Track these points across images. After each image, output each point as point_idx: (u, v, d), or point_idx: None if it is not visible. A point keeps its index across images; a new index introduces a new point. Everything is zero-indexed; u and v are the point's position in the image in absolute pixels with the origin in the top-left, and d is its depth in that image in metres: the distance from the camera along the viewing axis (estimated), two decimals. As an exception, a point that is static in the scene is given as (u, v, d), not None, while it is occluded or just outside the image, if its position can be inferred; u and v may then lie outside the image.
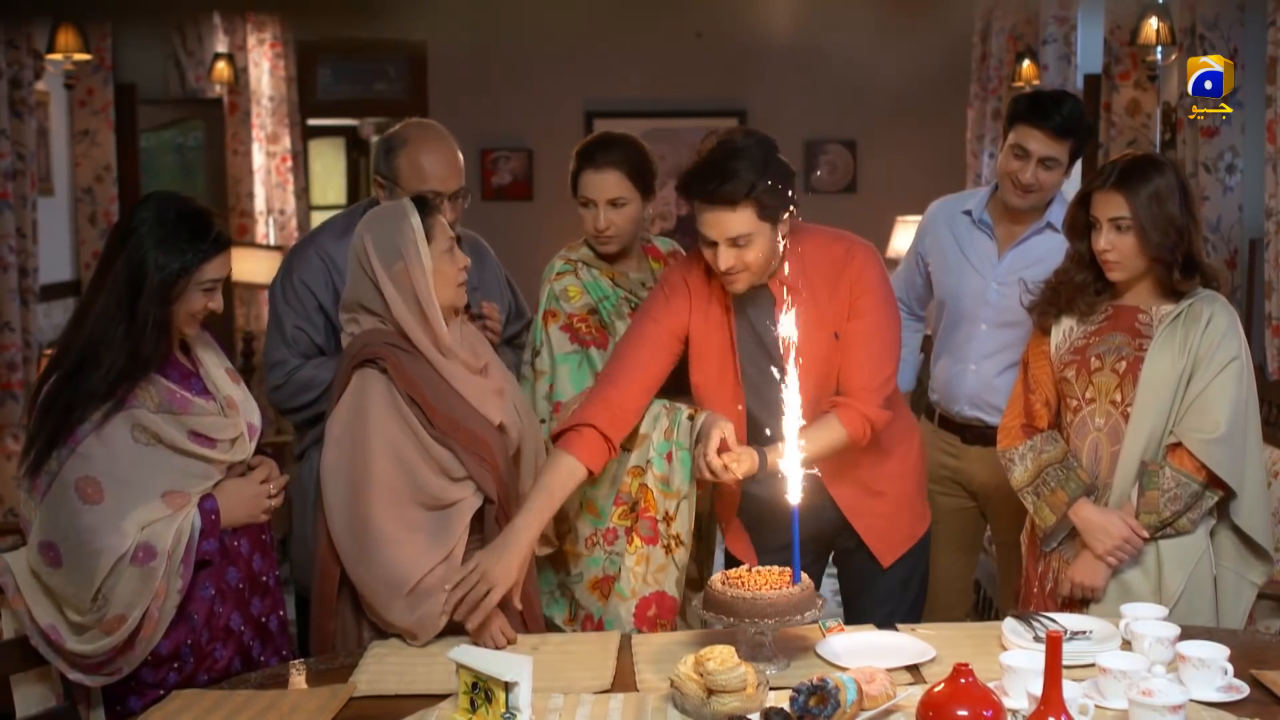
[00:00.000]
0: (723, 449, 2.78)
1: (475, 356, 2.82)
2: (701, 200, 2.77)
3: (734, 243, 2.76)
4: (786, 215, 2.82)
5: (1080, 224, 2.89)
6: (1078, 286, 2.91)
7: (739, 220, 2.74)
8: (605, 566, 3.02)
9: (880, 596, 3.07)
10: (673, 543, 2.98)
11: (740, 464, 2.76)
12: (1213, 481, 2.78)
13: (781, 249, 2.86)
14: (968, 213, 3.52)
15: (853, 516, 3.03)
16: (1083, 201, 2.88)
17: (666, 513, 2.99)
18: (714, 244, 2.79)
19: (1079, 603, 2.86)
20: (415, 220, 2.71)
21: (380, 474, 2.64)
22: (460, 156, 3.21)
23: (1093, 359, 2.87)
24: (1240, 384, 2.81)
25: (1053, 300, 2.94)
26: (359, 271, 2.75)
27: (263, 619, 2.73)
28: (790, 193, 2.80)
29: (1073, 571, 2.85)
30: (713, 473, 2.77)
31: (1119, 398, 2.83)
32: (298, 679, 2.53)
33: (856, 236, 3.01)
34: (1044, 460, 2.90)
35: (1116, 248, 2.81)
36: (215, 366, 2.72)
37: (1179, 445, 2.79)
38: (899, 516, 3.07)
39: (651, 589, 2.96)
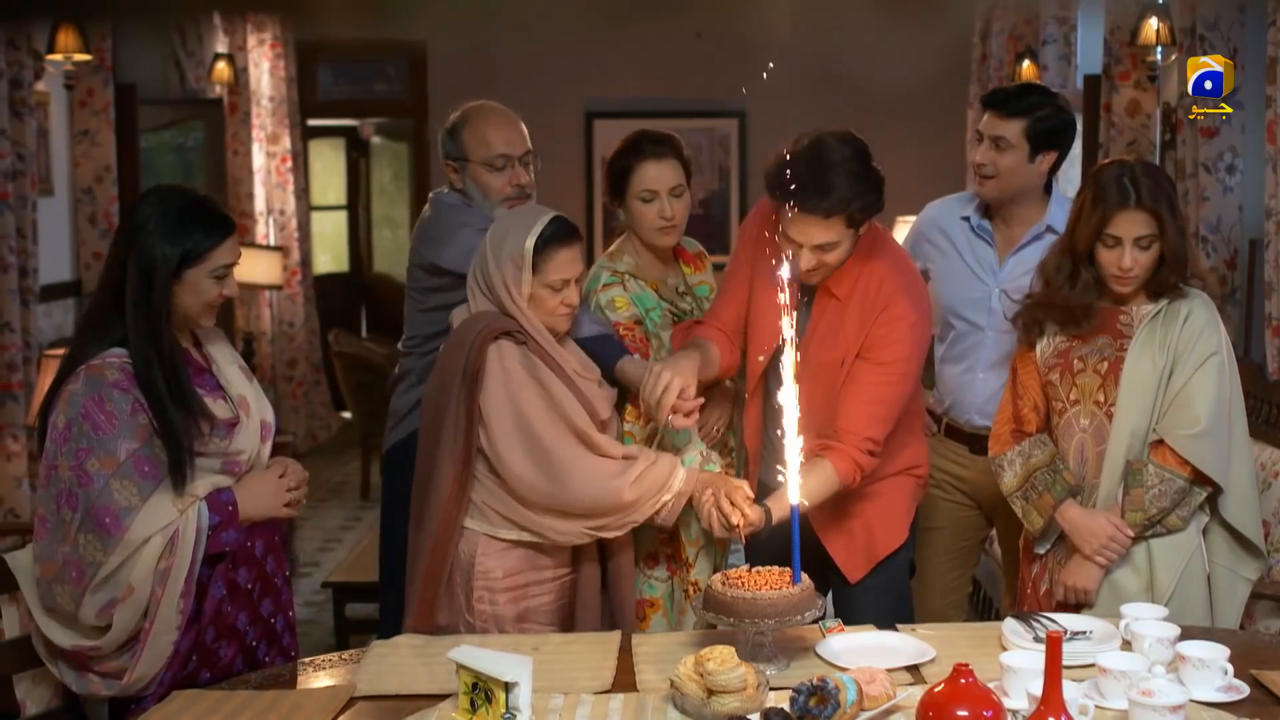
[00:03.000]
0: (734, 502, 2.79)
1: (587, 369, 2.89)
2: (794, 207, 2.78)
3: (819, 248, 2.79)
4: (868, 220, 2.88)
5: (1083, 245, 2.82)
6: (1083, 310, 2.86)
7: (828, 230, 2.78)
8: (644, 589, 3.07)
9: (856, 607, 3.02)
10: (691, 589, 3.04)
11: (748, 516, 2.76)
12: (1198, 477, 2.78)
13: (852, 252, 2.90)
14: (966, 219, 3.49)
15: (818, 528, 3.02)
16: (1084, 219, 2.81)
17: (688, 560, 3.06)
18: (797, 245, 2.81)
19: (1072, 606, 2.86)
20: (529, 244, 2.76)
21: (558, 416, 2.76)
22: (523, 125, 3.32)
23: (1075, 361, 2.87)
24: (1221, 379, 2.80)
25: (1039, 318, 2.92)
26: (483, 255, 2.84)
27: (271, 619, 2.73)
28: (880, 202, 2.85)
29: (1064, 575, 2.86)
30: (725, 525, 2.76)
31: (1102, 398, 2.83)
32: (298, 679, 2.53)
33: (919, 289, 3.02)
34: (1032, 464, 2.90)
35: (1139, 263, 2.78)
36: (228, 363, 2.72)
37: (1162, 442, 2.79)
38: (863, 536, 3.05)
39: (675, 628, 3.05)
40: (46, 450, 2.52)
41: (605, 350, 2.96)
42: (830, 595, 3.17)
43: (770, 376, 2.97)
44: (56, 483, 2.49)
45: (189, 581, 2.52)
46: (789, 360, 2.49)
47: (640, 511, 2.79)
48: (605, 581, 2.91)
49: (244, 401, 2.67)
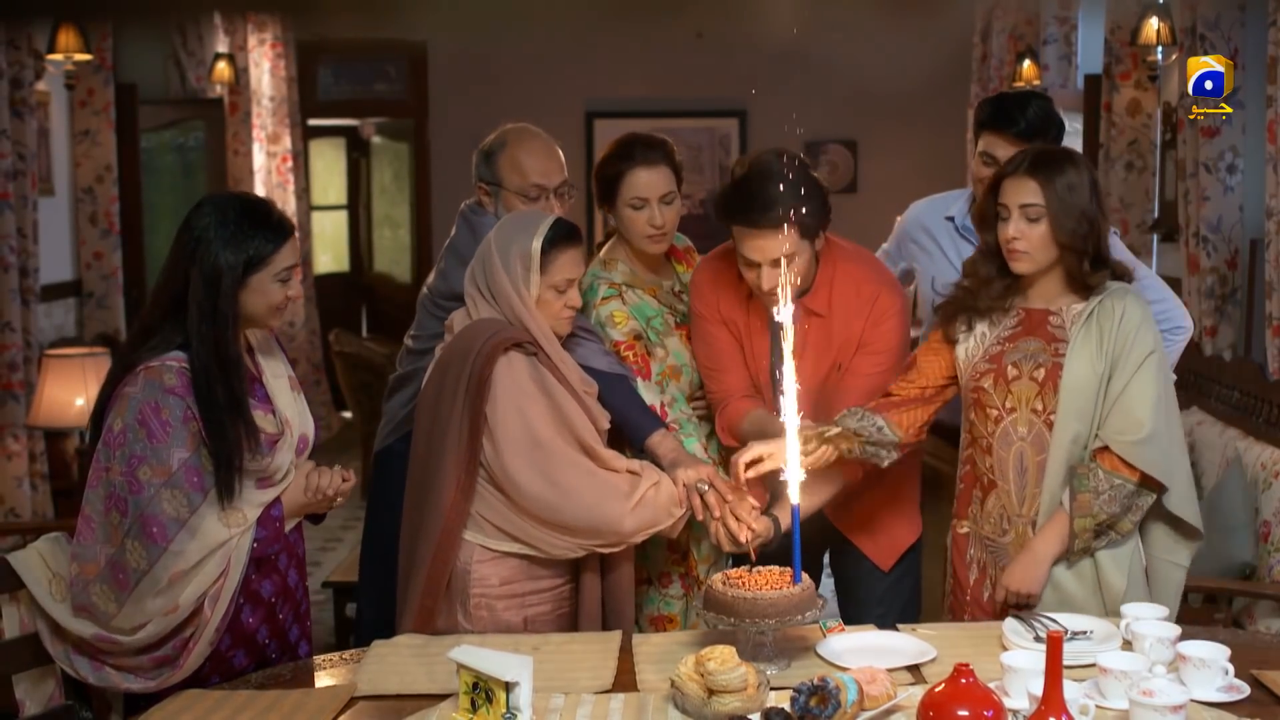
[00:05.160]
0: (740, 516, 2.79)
1: (587, 383, 2.87)
2: (744, 225, 2.81)
3: (777, 263, 2.80)
4: (822, 231, 2.89)
5: (990, 214, 2.82)
6: (983, 280, 2.84)
7: (782, 243, 2.78)
8: (660, 606, 3.08)
9: (872, 599, 3.07)
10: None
11: (755, 529, 2.77)
12: (1145, 480, 2.73)
13: (816, 267, 2.92)
14: (950, 219, 3.48)
15: (843, 526, 3.05)
16: (993, 190, 2.81)
17: (699, 577, 3.06)
18: (756, 265, 2.83)
19: (1014, 609, 2.79)
20: (537, 245, 2.77)
21: (565, 430, 2.75)
22: (561, 153, 3.25)
23: (1009, 367, 2.80)
24: (1160, 377, 2.76)
25: (961, 302, 2.87)
26: (487, 261, 2.82)
27: (287, 630, 2.74)
28: (827, 209, 2.87)
29: (1006, 579, 2.78)
30: (734, 541, 2.77)
31: (1040, 406, 2.77)
32: (299, 679, 2.53)
33: (892, 278, 3.08)
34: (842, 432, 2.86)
35: (1025, 236, 2.74)
36: (277, 375, 2.72)
37: (1107, 448, 2.73)
38: (890, 522, 3.08)
39: None
40: (99, 451, 2.54)
41: (627, 407, 2.94)
42: (836, 585, 3.24)
43: (777, 409, 3.01)
44: (107, 485, 2.51)
45: (233, 601, 2.56)
46: (789, 369, 2.49)
47: (637, 536, 2.79)
48: (604, 594, 2.88)
49: (285, 416, 2.68)
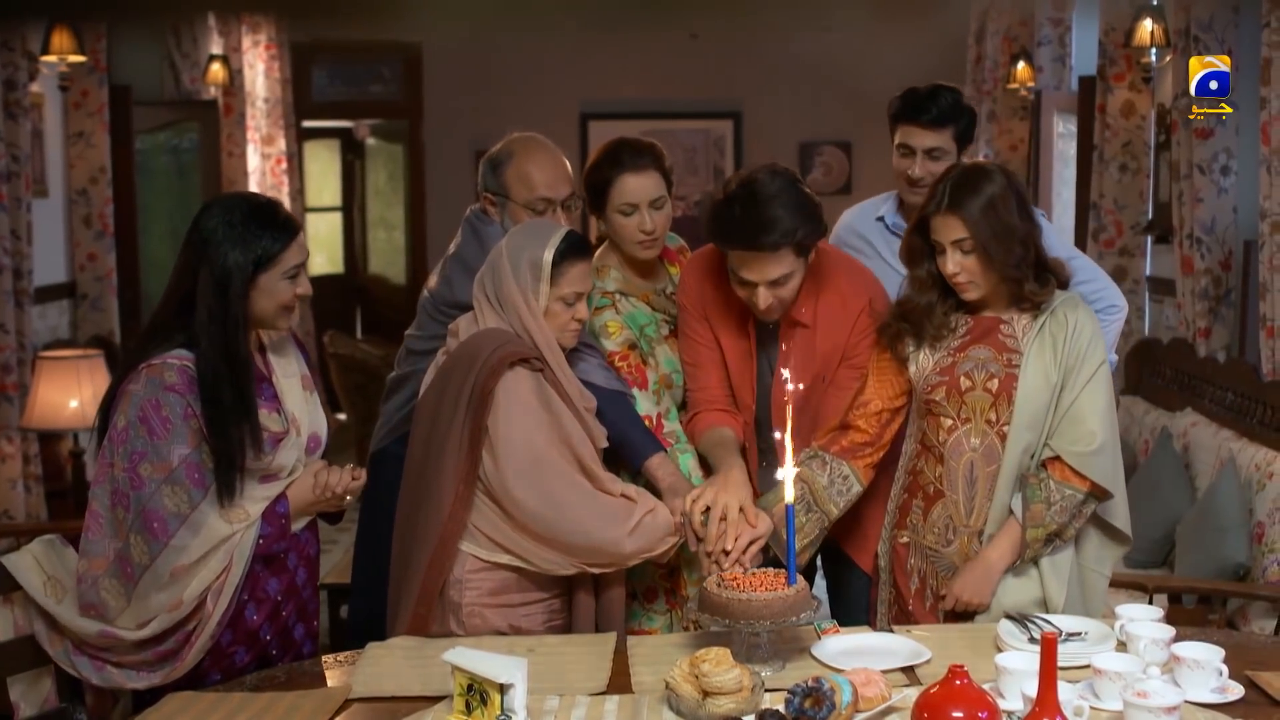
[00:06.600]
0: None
1: (586, 397, 2.86)
2: (740, 248, 2.81)
3: (773, 283, 2.80)
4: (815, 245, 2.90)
5: (919, 249, 2.81)
6: (925, 309, 2.82)
7: (780, 263, 2.79)
8: (643, 621, 3.06)
9: (863, 603, 3.06)
10: (692, 625, 3.00)
11: (746, 565, 2.75)
12: (1093, 489, 2.74)
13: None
14: (880, 219, 3.47)
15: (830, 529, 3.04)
16: (919, 228, 2.80)
17: (688, 596, 3.03)
18: (752, 284, 2.83)
19: (960, 615, 2.81)
20: (548, 256, 2.75)
21: (567, 449, 2.74)
22: (568, 164, 3.22)
23: (962, 378, 2.79)
24: (1108, 387, 2.78)
25: (904, 329, 2.85)
26: (497, 268, 2.80)
27: (291, 628, 2.74)
28: (822, 225, 2.86)
29: (956, 588, 2.79)
30: (719, 562, 2.75)
31: (994, 417, 2.77)
32: (294, 681, 2.53)
33: (880, 288, 3.05)
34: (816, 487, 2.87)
35: (965, 268, 2.73)
36: (289, 375, 2.72)
37: (1058, 458, 2.74)
38: (871, 521, 3.06)
39: None
40: (104, 448, 2.56)
41: (626, 425, 2.92)
42: (829, 592, 3.22)
43: (760, 416, 3.04)
44: (112, 481, 2.54)
45: (235, 596, 2.57)
46: (786, 385, 2.49)
47: (634, 559, 2.78)
48: (597, 613, 2.87)
49: (294, 416, 2.68)
